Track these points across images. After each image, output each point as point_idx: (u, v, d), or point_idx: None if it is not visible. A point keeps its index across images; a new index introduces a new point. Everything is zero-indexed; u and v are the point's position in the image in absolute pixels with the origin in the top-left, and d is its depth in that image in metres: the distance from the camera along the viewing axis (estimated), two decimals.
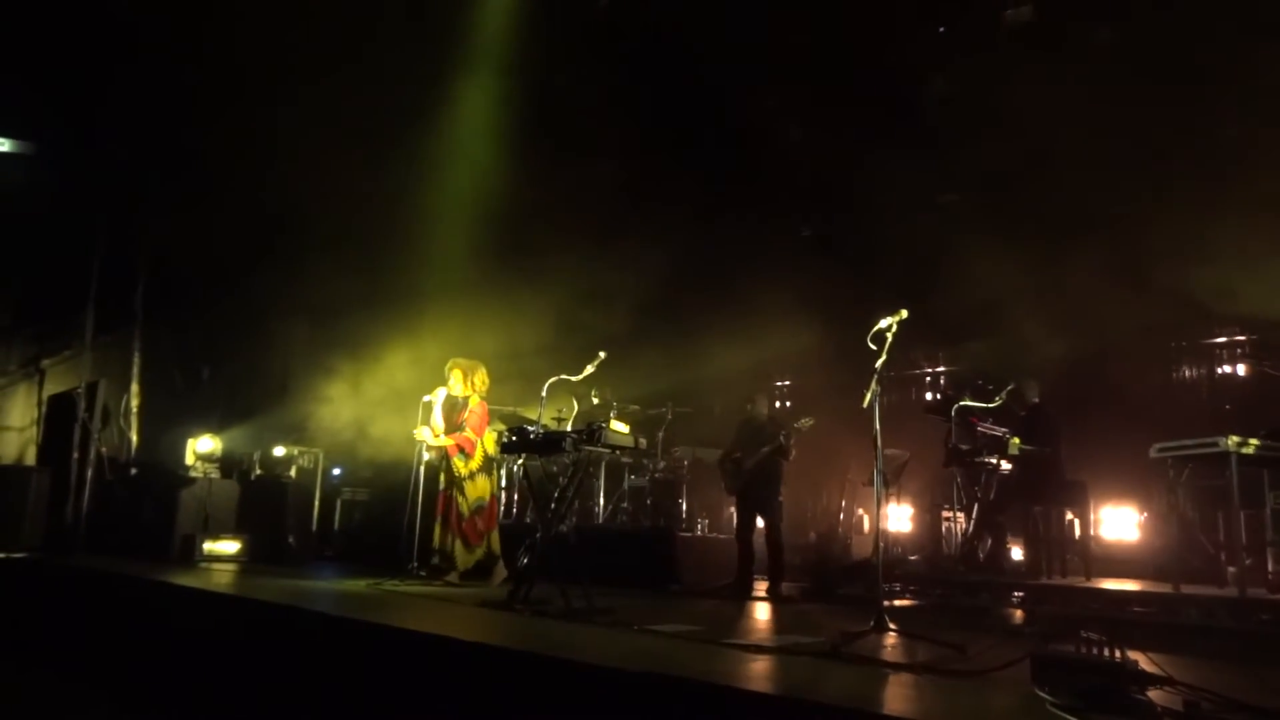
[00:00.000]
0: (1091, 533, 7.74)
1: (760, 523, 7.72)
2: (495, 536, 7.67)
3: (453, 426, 7.58)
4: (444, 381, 7.64)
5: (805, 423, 7.54)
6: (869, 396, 5.01)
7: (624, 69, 10.14)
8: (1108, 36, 8.22)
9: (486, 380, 7.74)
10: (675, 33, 9.65)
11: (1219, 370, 8.86)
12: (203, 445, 10.18)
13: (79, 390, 10.79)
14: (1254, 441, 5.90)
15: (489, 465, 7.66)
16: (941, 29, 9.57)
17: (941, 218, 9.68)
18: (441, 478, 7.63)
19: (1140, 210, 7.88)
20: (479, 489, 7.55)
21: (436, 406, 7.61)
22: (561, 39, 10.39)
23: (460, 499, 7.46)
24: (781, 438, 7.45)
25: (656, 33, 9.90)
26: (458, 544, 7.41)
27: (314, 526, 10.85)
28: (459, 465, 7.50)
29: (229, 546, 9.20)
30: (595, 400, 9.46)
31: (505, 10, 10.55)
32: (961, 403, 7.97)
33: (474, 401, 7.62)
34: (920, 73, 9.54)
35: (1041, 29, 8.67)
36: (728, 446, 7.96)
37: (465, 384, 7.61)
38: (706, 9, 9.41)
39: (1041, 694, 3.15)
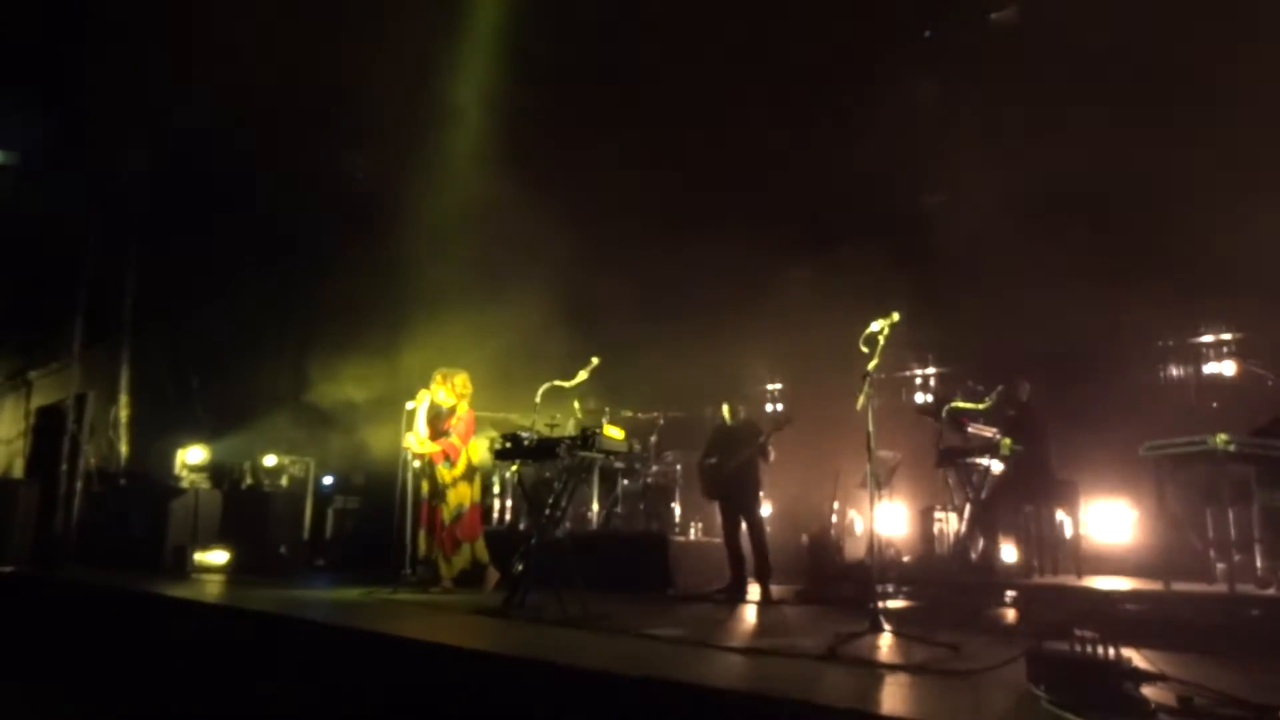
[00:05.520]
0: (1082, 531, 7.77)
1: (744, 525, 7.73)
2: (481, 544, 7.62)
3: (437, 433, 7.53)
4: (428, 388, 7.57)
5: (782, 419, 7.57)
6: (862, 399, 5.04)
7: (608, 68, 10.16)
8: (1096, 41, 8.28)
9: (469, 385, 7.68)
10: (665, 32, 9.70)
11: (1206, 369, 8.92)
12: (193, 455, 10.12)
13: (67, 402, 10.72)
14: (1241, 440, 5.94)
15: (471, 473, 7.59)
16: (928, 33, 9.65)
17: (931, 219, 9.72)
18: (424, 486, 7.58)
19: (1128, 206, 7.96)
20: (459, 495, 7.49)
21: (420, 413, 7.53)
22: (546, 42, 10.41)
23: (443, 507, 7.43)
24: (760, 440, 7.49)
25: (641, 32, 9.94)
26: (440, 554, 7.39)
27: (305, 535, 10.81)
28: (442, 472, 7.45)
29: (218, 557, 9.15)
30: (588, 406, 9.45)
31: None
32: (952, 404, 7.99)
33: (462, 408, 7.58)
34: (908, 74, 9.60)
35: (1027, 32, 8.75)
36: (703, 452, 8.00)
37: (451, 391, 7.56)
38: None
39: (1037, 692, 3.17)
